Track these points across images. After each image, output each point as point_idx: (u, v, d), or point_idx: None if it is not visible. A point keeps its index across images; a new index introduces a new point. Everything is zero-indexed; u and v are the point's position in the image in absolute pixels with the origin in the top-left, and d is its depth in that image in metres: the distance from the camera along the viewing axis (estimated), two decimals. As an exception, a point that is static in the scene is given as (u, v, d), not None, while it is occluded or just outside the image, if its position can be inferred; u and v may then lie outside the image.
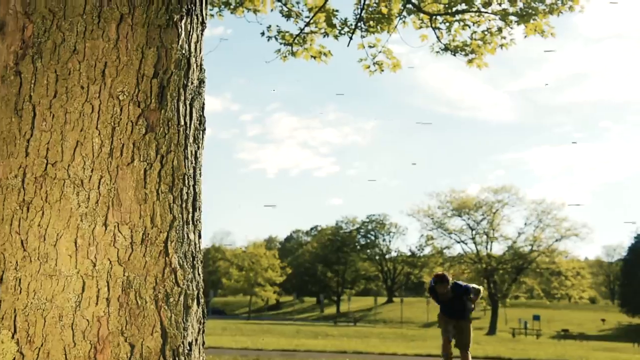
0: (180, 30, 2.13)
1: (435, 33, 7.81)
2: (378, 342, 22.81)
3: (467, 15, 7.61)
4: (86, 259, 1.89)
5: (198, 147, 2.23)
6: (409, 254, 79.83)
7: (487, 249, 59.93)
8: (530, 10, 7.19)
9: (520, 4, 7.22)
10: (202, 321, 2.17)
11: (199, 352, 2.13)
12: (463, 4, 7.32)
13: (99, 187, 1.94)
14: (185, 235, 2.09)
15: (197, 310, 2.12)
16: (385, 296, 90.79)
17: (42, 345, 1.84)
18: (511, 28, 7.61)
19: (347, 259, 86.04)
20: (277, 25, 8.11)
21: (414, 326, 60.53)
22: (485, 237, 59.59)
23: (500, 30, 7.64)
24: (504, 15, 7.42)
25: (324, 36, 8.07)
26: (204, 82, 2.29)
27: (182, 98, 2.13)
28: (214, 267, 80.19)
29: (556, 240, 57.17)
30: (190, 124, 2.17)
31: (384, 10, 7.88)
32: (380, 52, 8.25)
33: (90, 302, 1.87)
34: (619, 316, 75.90)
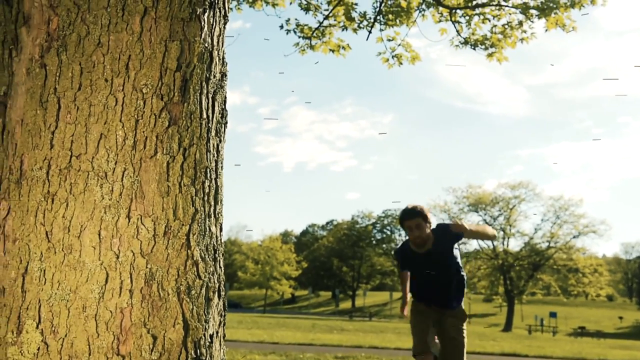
0: (203, 23, 2.13)
1: (454, 27, 7.77)
2: (394, 337, 22.81)
3: (487, 9, 7.57)
4: (109, 250, 1.90)
5: (220, 140, 2.23)
6: (425, 249, 79.46)
7: (503, 245, 59.65)
8: (551, 4, 7.13)
9: (541, -2, 7.16)
10: (222, 314, 2.18)
11: (220, 344, 2.14)
12: (483, -2, 7.26)
13: (122, 180, 1.95)
14: (207, 228, 2.10)
15: (218, 303, 2.13)
16: (401, 291, 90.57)
17: (65, 336, 1.85)
18: (532, 22, 7.56)
19: (362, 254, 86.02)
20: (296, 19, 8.11)
21: (429, 321, 60.33)
22: (502, 232, 59.28)
23: (521, 23, 7.59)
24: (524, 8, 7.37)
25: (343, 30, 8.06)
26: (226, 75, 2.29)
27: (205, 91, 2.14)
28: (230, 260, 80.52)
29: (574, 237, 56.78)
30: (212, 117, 2.17)
31: (403, 3, 7.85)
32: (399, 45, 8.22)
33: (114, 293, 1.88)
34: (637, 314, 75.29)
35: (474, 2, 7.23)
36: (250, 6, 7.94)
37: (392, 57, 8.12)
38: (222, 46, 2.28)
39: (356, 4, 7.82)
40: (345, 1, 7.85)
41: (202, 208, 2.08)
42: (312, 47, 8.14)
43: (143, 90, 1.99)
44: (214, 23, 2.20)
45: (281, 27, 8.00)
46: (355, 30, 7.99)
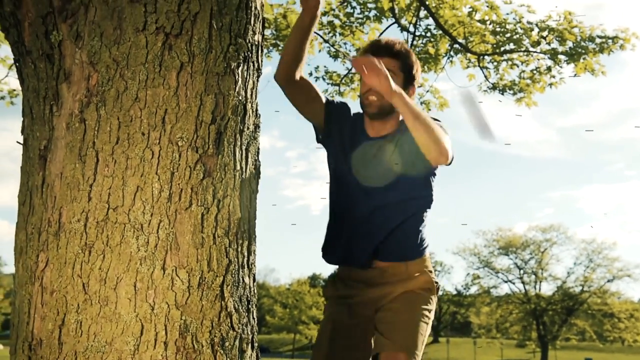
0: (237, 77, 2.18)
1: (483, 72, 7.82)
2: (424, 384, 22.35)
3: (515, 55, 7.60)
4: (145, 302, 1.92)
5: (253, 191, 2.26)
6: (454, 293, 78.53)
7: (535, 289, 58.64)
8: (580, 50, 7.14)
9: (569, 43, 7.18)
10: (255, 365, 2.17)
11: (253, 397, 2.13)
12: (511, 44, 7.30)
13: (157, 231, 1.98)
14: (241, 279, 2.11)
15: (251, 354, 2.13)
16: (431, 336, 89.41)
17: (100, 388, 1.86)
18: (560, 67, 7.58)
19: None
20: (325, 66, 8.23)
21: (460, 367, 59.18)
22: (533, 276, 58.34)
23: (549, 69, 7.61)
24: (553, 54, 7.39)
25: (372, 76, 8.14)
26: (259, 127, 2.33)
27: (239, 143, 2.17)
28: (258, 304, 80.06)
29: (608, 281, 55.64)
30: (246, 169, 2.20)
31: (432, 50, 7.92)
32: (427, 91, 8.28)
33: (149, 345, 1.89)
34: (676, 361, 72.94)
35: (502, 49, 7.27)
36: (277, 52, 8.07)
37: (421, 103, 8.16)
38: (255, 98, 2.33)
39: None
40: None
41: (235, 259, 2.09)
42: (340, 93, 8.23)
43: (179, 143, 2.03)
44: (248, 76, 2.25)
45: (310, 74, 8.12)
46: (383, 76, 8.04)
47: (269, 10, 7.62)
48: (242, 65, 2.21)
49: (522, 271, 58.85)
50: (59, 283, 1.95)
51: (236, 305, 2.06)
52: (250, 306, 2.15)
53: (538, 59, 7.52)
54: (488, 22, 7.15)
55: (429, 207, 2.82)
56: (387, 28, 7.61)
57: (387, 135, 2.79)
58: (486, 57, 7.63)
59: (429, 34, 7.89)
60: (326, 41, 7.93)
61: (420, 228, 2.78)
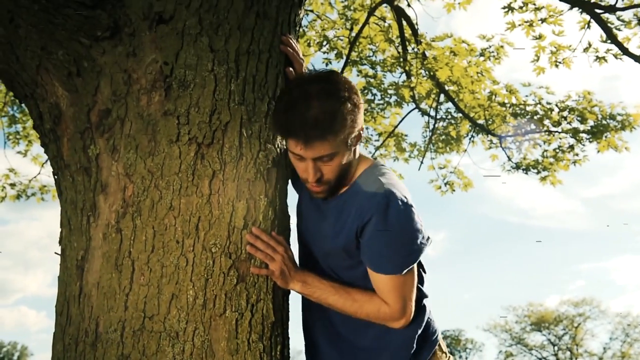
0: (267, 181, 2.23)
1: (505, 152, 7.86)
2: None
3: (537, 134, 7.65)
4: (181, 413, 1.91)
5: (286, 293, 2.27)
6: (487, 371, 76.16)
7: (571, 365, 56.77)
8: (601, 128, 7.18)
9: (590, 122, 7.23)
10: None
11: None
12: (532, 124, 7.37)
13: (193, 339, 1.99)
14: (276, 384, 2.10)
15: None
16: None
17: None
18: (583, 145, 7.60)
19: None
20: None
21: None
22: (568, 353, 56.59)
23: (572, 147, 7.64)
24: (575, 132, 7.44)
25: (394, 160, 8.23)
26: (289, 228, 2.36)
27: (270, 247, 2.20)
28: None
29: (646, 356, 53.75)
30: (278, 271, 2.22)
31: (453, 132, 8.02)
32: (451, 172, 8.32)
33: None
34: None
35: (523, 130, 7.35)
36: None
37: (445, 184, 8.20)
38: (285, 199, 2.37)
39: (406, 135, 8.02)
40: (395, 132, 8.06)
41: (270, 364, 2.09)
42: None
43: (212, 249, 2.07)
44: (277, 180, 2.30)
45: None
46: (406, 160, 8.14)
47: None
48: (271, 169, 2.26)
49: (556, 347, 57.18)
50: (95, 395, 1.96)
51: (272, 412, 2.04)
52: (285, 412, 2.13)
53: (560, 138, 7.57)
54: (508, 105, 7.25)
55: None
56: (408, 113, 7.75)
57: (336, 198, 2.25)
58: (508, 137, 7.70)
59: (449, 117, 8.01)
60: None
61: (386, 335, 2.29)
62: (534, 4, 5.82)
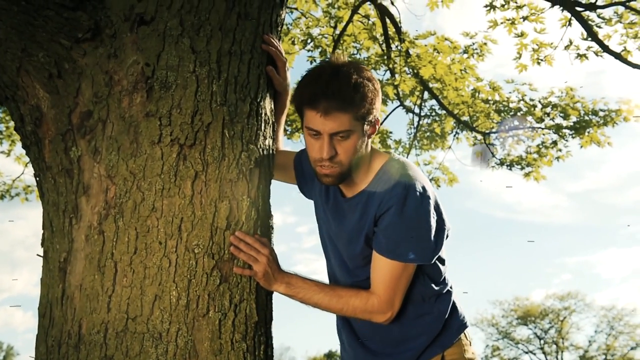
0: (249, 182, 2.24)
1: (489, 149, 7.91)
2: None
3: (520, 131, 7.71)
4: (165, 413, 1.92)
5: (269, 293, 2.28)
6: (475, 366, 76.58)
7: (557, 359, 57.23)
8: (584, 123, 7.25)
9: (573, 118, 7.30)
10: None
11: None
12: (515, 121, 7.43)
13: (176, 340, 2.00)
14: (259, 383, 2.11)
15: None
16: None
17: None
18: (566, 140, 7.67)
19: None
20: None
21: None
22: (554, 346, 57.02)
23: (555, 143, 7.70)
24: (557, 128, 7.50)
25: (379, 157, 8.26)
26: (272, 228, 2.37)
27: (253, 247, 2.21)
28: (275, 385, 78.36)
29: (631, 349, 54.27)
30: (261, 271, 2.23)
31: (437, 129, 8.06)
32: (436, 169, 8.36)
33: None
34: None
35: (507, 126, 7.40)
36: (288, 138, 8.22)
37: (430, 180, 8.24)
38: (268, 200, 2.38)
39: (391, 132, 8.05)
40: (380, 130, 8.08)
41: (253, 364, 2.10)
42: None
43: (195, 250, 2.08)
44: (260, 180, 2.31)
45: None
46: (391, 156, 8.16)
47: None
48: (254, 169, 2.27)
49: (542, 341, 57.59)
50: (79, 396, 1.96)
51: (256, 412, 2.06)
52: (269, 411, 2.14)
53: (543, 134, 7.63)
54: (491, 102, 7.30)
55: (429, 286, 2.32)
56: (393, 111, 7.78)
57: (357, 195, 2.27)
58: (491, 134, 7.75)
59: (434, 114, 8.05)
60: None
61: (420, 321, 2.32)
62: (516, 2, 5.87)
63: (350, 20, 6.98)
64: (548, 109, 7.31)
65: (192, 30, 2.23)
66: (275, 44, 2.47)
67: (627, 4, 5.48)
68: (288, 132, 8.23)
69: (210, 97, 2.19)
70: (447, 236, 2.26)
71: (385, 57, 7.09)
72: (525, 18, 5.94)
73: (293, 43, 7.41)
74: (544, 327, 57.60)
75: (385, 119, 7.84)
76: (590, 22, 5.67)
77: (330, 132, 2.08)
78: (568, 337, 57.35)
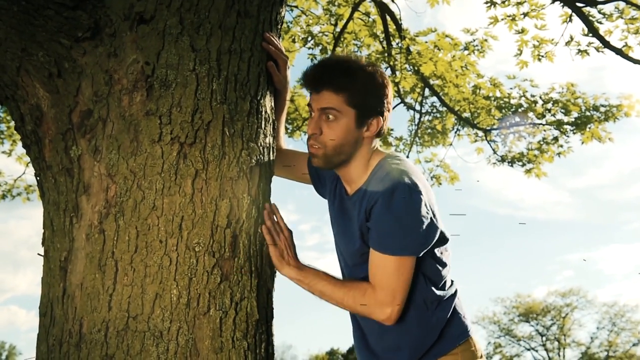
0: (250, 180, 2.24)
1: (490, 146, 7.91)
2: None
3: (521, 127, 7.70)
4: (166, 412, 1.92)
5: (270, 291, 2.29)
6: (476, 363, 76.53)
7: (559, 356, 57.21)
8: (585, 119, 7.24)
9: (574, 114, 7.29)
10: None
11: None
12: (517, 117, 7.42)
13: (177, 338, 2.00)
14: (261, 381, 2.12)
15: None
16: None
17: None
18: (567, 136, 7.66)
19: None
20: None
21: None
22: (556, 343, 57.01)
23: (556, 139, 7.70)
24: (559, 124, 7.49)
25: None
26: (273, 226, 2.37)
27: (254, 245, 2.22)
28: (277, 382, 78.46)
29: (633, 345, 54.26)
30: (262, 269, 2.24)
31: (439, 125, 8.05)
32: (437, 166, 8.36)
33: None
34: None
35: (508, 122, 7.39)
36: (289, 136, 8.22)
37: (431, 177, 8.23)
38: (269, 197, 2.38)
39: (392, 130, 8.04)
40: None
41: (255, 362, 2.11)
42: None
43: (195, 248, 2.08)
44: (260, 178, 2.31)
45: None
46: (392, 154, 8.16)
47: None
48: (254, 168, 2.27)
49: (544, 338, 57.58)
50: (80, 395, 1.97)
51: (257, 409, 2.06)
52: (271, 409, 2.15)
53: (544, 130, 7.62)
54: (492, 98, 7.29)
55: (430, 290, 2.28)
56: (394, 108, 7.77)
57: (356, 192, 2.29)
58: (492, 130, 7.74)
59: (434, 111, 8.04)
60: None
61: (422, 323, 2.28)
62: (517, -2, 5.86)
63: (350, 18, 6.97)
64: (549, 105, 7.30)
65: (191, 28, 2.23)
66: (276, 42, 2.47)
67: (628, -1, 5.47)
68: (289, 131, 8.22)
69: (210, 95, 2.19)
70: (445, 240, 2.26)
71: (386, 55, 7.09)
72: (525, 14, 5.93)
73: (293, 41, 7.41)
74: (545, 324, 57.56)
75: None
76: (591, 18, 5.66)
77: (318, 107, 2.18)
78: (570, 333, 57.32)
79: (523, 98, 7.35)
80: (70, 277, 2.11)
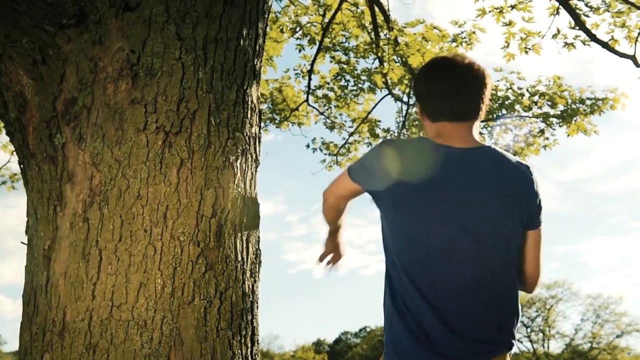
0: (236, 170, 2.23)
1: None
2: None
3: (508, 119, 7.72)
4: (150, 401, 1.92)
5: (255, 281, 2.29)
6: (462, 354, 76.86)
7: (544, 347, 57.65)
8: (571, 112, 7.26)
9: (561, 107, 7.31)
10: None
11: None
12: (503, 109, 7.44)
13: (161, 327, 2.00)
14: (245, 371, 2.12)
15: None
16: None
17: None
18: (553, 129, 7.68)
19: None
20: (322, 137, 8.35)
21: None
22: (541, 334, 57.43)
23: (542, 131, 7.71)
24: (545, 117, 7.51)
25: (368, 145, 8.25)
26: (258, 216, 2.37)
27: (239, 235, 2.21)
28: (263, 373, 78.66)
29: (617, 337, 54.71)
30: (247, 259, 2.24)
31: (426, 117, 8.05)
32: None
33: None
34: (692, 416, 71.15)
35: (495, 115, 7.41)
36: (276, 127, 8.20)
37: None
38: (255, 188, 2.38)
39: (379, 121, 8.04)
40: (369, 118, 8.07)
41: (239, 351, 2.11)
42: (338, 163, 8.32)
43: (180, 238, 2.07)
44: (246, 168, 2.31)
45: (307, 146, 8.23)
46: (379, 145, 8.16)
47: (264, 86, 7.78)
48: (240, 157, 2.27)
49: (529, 329, 57.97)
50: (64, 384, 1.96)
51: (241, 399, 2.06)
52: (255, 398, 2.15)
53: (531, 123, 7.64)
54: (479, 91, 7.29)
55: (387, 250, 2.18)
56: (381, 99, 7.77)
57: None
58: (480, 122, 7.76)
59: (422, 102, 8.03)
60: (322, 113, 8.07)
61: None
62: (504, -10, 5.85)
63: (339, 8, 6.94)
64: (536, 98, 7.32)
65: (177, 16, 2.22)
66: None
67: (615, -7, 5.49)
68: (277, 121, 8.20)
69: (196, 84, 2.18)
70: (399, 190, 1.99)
71: (374, 46, 7.07)
72: (513, 7, 5.92)
73: (282, 31, 7.37)
74: (530, 315, 57.95)
75: (374, 107, 7.84)
76: (578, 11, 5.66)
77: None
78: (554, 325, 57.74)
79: (510, 90, 7.36)
80: (54, 265, 2.09)
